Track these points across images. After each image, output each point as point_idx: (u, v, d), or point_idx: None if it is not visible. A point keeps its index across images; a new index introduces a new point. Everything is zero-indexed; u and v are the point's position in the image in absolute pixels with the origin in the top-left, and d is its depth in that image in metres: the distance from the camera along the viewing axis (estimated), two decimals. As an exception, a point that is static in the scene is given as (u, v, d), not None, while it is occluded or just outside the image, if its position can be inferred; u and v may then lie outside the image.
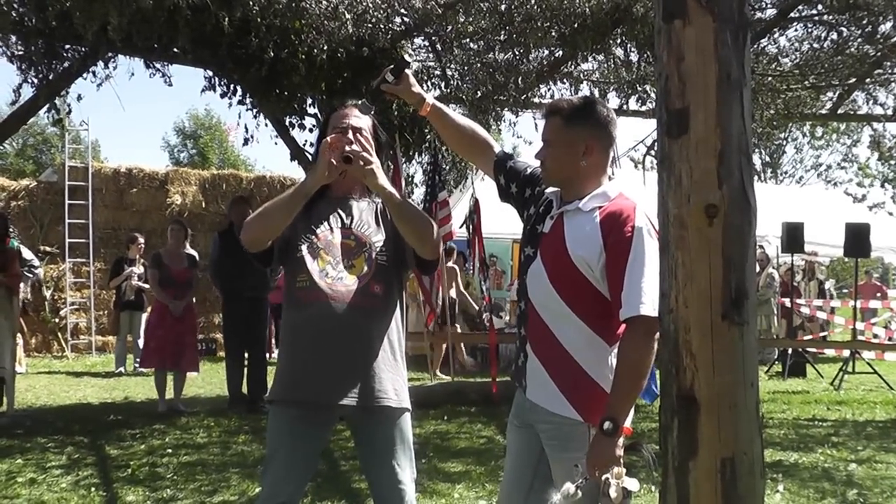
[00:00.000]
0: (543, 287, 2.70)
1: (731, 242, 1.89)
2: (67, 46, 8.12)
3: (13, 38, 8.06)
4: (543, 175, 2.83)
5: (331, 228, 3.12)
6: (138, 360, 11.79)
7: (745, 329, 1.89)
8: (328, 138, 3.02)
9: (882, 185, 18.23)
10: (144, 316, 12.18)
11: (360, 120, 3.11)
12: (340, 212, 3.16)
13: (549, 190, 2.85)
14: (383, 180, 2.97)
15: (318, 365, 2.99)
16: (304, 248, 3.08)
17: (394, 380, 3.07)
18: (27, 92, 8.26)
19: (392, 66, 2.98)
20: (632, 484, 2.49)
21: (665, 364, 1.95)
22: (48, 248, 14.13)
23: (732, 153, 1.89)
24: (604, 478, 2.48)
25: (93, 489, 5.58)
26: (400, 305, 3.22)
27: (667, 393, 1.93)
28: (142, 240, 12.54)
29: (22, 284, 9.20)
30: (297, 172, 16.68)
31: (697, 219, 1.88)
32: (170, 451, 6.71)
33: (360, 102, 3.10)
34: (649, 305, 2.47)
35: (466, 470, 6.07)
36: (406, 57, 3.05)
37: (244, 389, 8.63)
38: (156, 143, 55.44)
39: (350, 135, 3.03)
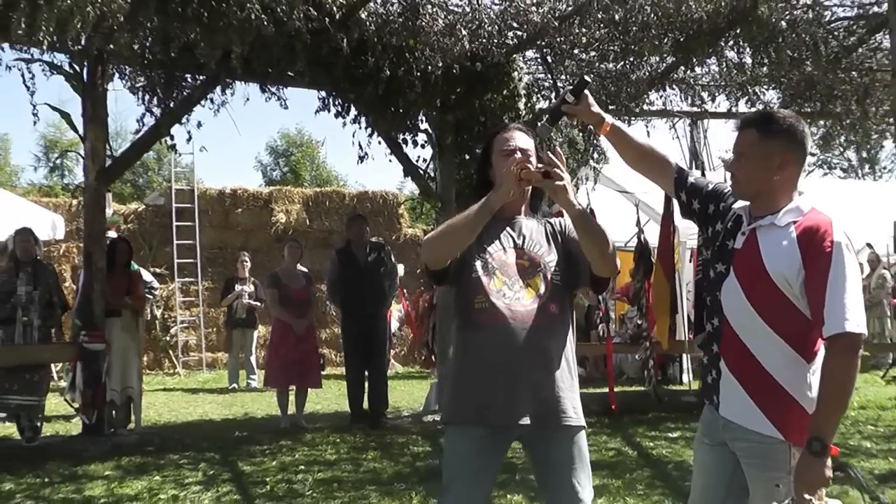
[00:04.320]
0: (740, 304, 2.66)
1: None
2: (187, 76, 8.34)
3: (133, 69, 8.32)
4: (734, 188, 2.79)
5: (503, 248, 3.11)
6: (253, 376, 12.11)
7: None
8: (515, 156, 3.01)
9: None
10: (255, 333, 12.53)
11: (527, 141, 3.12)
12: (511, 231, 3.15)
13: (737, 205, 2.81)
14: (573, 197, 2.93)
15: (501, 387, 2.98)
16: (478, 267, 3.07)
17: (572, 398, 3.07)
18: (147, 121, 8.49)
19: (571, 87, 2.98)
20: (835, 505, 2.45)
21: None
22: (157, 270, 14.51)
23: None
24: (807, 498, 2.44)
25: (236, 505, 5.70)
26: (572, 324, 3.22)
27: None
28: (245, 257, 12.85)
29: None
30: (391, 186, 16.78)
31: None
32: (302, 467, 6.79)
33: (539, 125, 3.10)
34: (853, 322, 2.45)
35: (604, 483, 5.99)
36: (585, 77, 3.03)
37: (365, 405, 8.71)
38: (248, 163, 56.46)
39: (518, 155, 3.02)
